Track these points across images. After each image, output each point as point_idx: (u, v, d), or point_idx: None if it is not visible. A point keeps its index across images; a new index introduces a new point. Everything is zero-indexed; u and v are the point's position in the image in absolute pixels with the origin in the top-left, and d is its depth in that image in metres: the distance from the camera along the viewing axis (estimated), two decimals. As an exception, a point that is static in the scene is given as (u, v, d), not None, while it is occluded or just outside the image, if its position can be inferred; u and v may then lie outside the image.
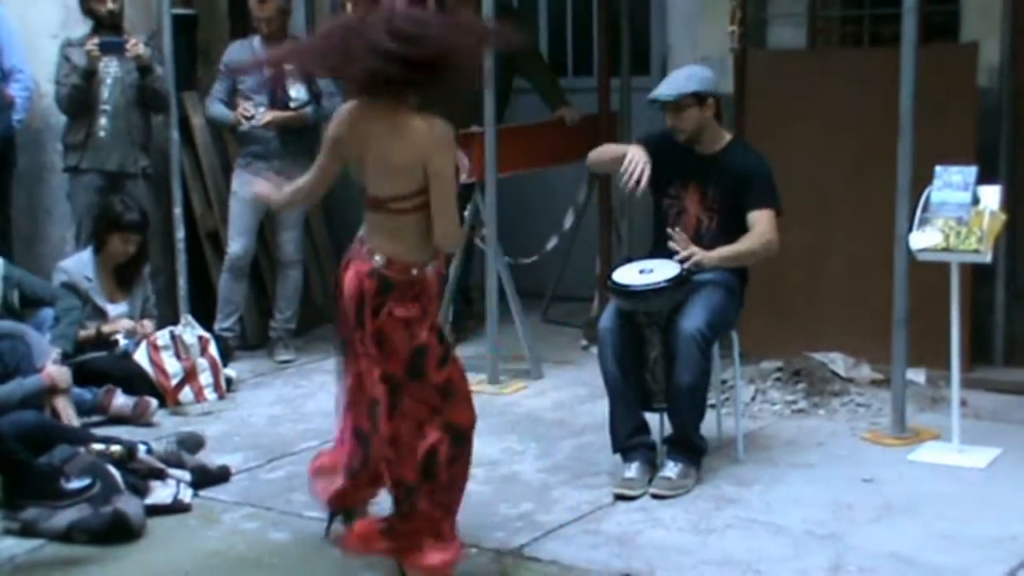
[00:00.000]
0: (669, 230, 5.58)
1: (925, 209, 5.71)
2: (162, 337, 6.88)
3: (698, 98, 5.60)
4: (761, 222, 5.58)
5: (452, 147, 4.42)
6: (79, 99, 7.46)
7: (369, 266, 4.42)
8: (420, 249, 4.45)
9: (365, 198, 4.50)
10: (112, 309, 7.06)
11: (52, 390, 6.08)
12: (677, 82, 5.64)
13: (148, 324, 7.07)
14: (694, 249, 5.49)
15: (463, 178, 4.46)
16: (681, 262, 5.45)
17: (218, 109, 7.72)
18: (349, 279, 4.47)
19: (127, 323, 7.00)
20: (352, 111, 4.52)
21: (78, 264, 7.06)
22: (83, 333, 6.80)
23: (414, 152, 4.33)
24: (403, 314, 4.42)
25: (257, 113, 7.53)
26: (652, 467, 5.48)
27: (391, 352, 4.42)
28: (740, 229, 5.61)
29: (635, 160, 5.59)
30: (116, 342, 6.96)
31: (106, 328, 6.92)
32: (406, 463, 4.46)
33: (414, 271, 4.44)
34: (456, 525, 4.58)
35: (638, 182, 5.56)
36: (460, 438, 4.55)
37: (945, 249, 5.65)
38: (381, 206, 4.44)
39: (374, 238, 4.47)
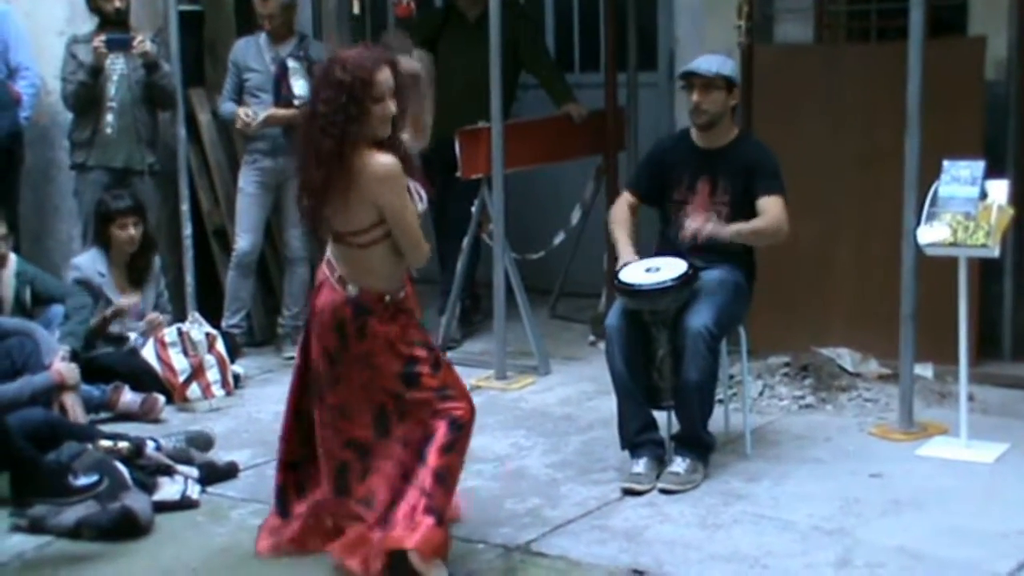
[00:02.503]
0: (682, 221, 5.61)
1: (933, 204, 5.71)
2: (170, 334, 6.89)
3: (728, 84, 5.63)
4: (773, 207, 5.58)
5: (397, 181, 4.45)
6: (85, 96, 7.47)
7: (343, 296, 4.53)
8: (389, 278, 4.56)
9: (328, 228, 4.57)
10: (124, 303, 7.06)
11: (60, 387, 6.10)
12: (713, 62, 5.68)
13: (155, 314, 7.09)
14: (708, 224, 5.50)
15: (421, 207, 4.54)
16: (695, 241, 5.45)
17: (228, 107, 7.73)
18: (323, 304, 4.56)
19: (124, 302, 6.98)
20: None
21: (90, 260, 7.07)
22: (93, 322, 6.83)
23: (361, 191, 4.41)
24: (385, 333, 4.52)
25: (257, 115, 7.54)
26: (660, 463, 5.48)
27: (380, 371, 4.53)
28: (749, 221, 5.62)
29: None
30: (126, 338, 6.98)
31: (109, 312, 6.91)
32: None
33: (387, 298, 4.55)
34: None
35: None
36: (458, 425, 4.57)
37: (953, 244, 5.64)
38: (341, 239, 4.54)
39: (343, 266, 4.56)
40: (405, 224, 4.48)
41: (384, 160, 4.42)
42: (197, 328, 6.99)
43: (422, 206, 4.59)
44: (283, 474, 4.82)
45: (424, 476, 4.51)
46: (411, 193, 4.52)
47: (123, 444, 5.51)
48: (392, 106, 4.46)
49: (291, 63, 7.52)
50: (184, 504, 5.35)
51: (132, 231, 7.03)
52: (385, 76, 4.43)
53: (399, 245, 4.52)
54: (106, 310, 6.93)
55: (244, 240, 7.69)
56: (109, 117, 7.51)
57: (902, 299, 5.86)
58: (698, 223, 5.53)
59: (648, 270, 5.49)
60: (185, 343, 6.87)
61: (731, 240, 5.55)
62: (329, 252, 4.63)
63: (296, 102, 7.49)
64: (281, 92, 7.53)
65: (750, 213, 5.61)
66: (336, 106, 4.36)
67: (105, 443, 5.49)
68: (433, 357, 4.63)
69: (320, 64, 4.57)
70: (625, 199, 5.94)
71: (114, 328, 6.97)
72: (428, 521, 4.45)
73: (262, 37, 7.68)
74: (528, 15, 8.48)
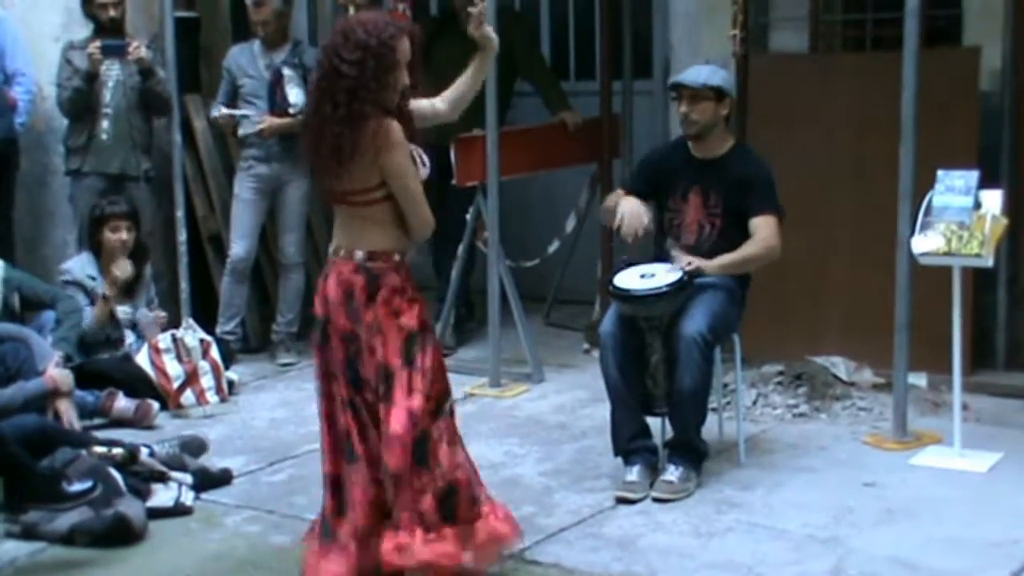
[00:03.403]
0: (670, 250, 5.60)
1: (927, 213, 5.71)
2: (164, 340, 6.88)
3: (717, 94, 5.63)
4: (763, 228, 5.58)
5: (403, 146, 4.43)
6: (81, 102, 7.47)
7: (352, 264, 4.46)
8: (395, 239, 4.49)
9: (330, 193, 4.54)
10: (116, 310, 7.06)
11: (54, 393, 6.09)
12: (701, 73, 5.68)
13: (161, 313, 7.12)
14: (694, 259, 5.50)
15: (424, 172, 4.53)
16: (683, 268, 5.46)
17: (216, 111, 7.73)
18: (332, 285, 4.48)
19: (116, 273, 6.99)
20: None
21: (80, 264, 7.09)
22: (96, 312, 6.83)
23: (370, 153, 4.38)
24: (395, 305, 4.44)
25: (251, 117, 7.56)
26: (653, 471, 5.48)
27: (385, 342, 4.43)
28: (742, 234, 5.61)
29: (626, 216, 5.60)
30: (121, 341, 6.98)
31: (109, 292, 6.92)
32: (392, 451, 4.40)
33: (396, 256, 4.48)
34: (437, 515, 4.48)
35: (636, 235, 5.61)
36: (441, 413, 4.51)
37: (947, 253, 5.65)
38: (342, 200, 4.49)
39: (347, 237, 4.50)
40: (408, 187, 4.44)
41: (393, 124, 4.41)
42: (191, 334, 6.99)
43: (425, 171, 4.57)
44: (332, 496, 4.55)
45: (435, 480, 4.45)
46: (414, 159, 4.50)
47: (117, 450, 5.50)
48: (405, 77, 4.46)
49: (286, 71, 7.52)
50: (178, 510, 5.34)
51: (124, 235, 7.02)
52: (405, 46, 4.44)
53: (402, 209, 4.47)
54: (107, 297, 6.94)
55: (239, 246, 7.69)
56: (104, 123, 7.51)
57: (896, 308, 5.86)
58: (682, 262, 5.52)
59: (643, 276, 5.50)
60: (179, 349, 6.87)
61: (719, 274, 5.55)
62: (332, 245, 4.57)
63: (291, 110, 7.49)
64: (276, 100, 7.53)
65: (742, 225, 5.61)
66: (364, 69, 4.34)
67: (99, 449, 5.48)
68: (431, 338, 4.54)
69: (339, 25, 4.53)
70: (618, 193, 5.91)
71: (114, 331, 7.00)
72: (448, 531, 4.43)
73: (256, 44, 7.68)
74: (524, 22, 8.49)
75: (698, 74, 5.66)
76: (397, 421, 4.40)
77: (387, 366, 4.43)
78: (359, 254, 4.46)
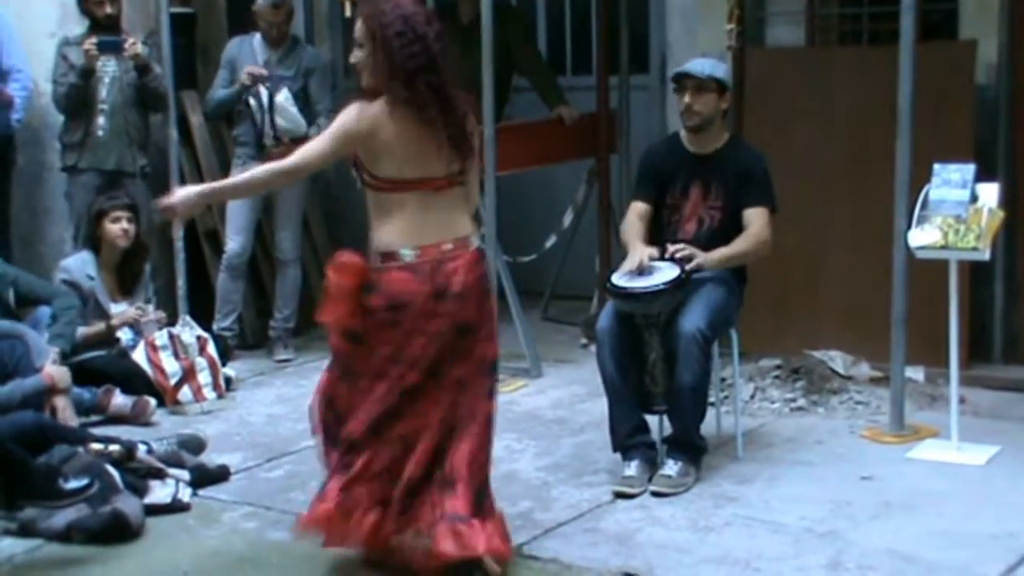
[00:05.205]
0: (668, 246, 5.60)
1: (924, 207, 5.71)
2: (160, 337, 6.87)
3: (720, 87, 5.64)
4: (756, 221, 5.59)
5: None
6: (77, 98, 7.46)
7: (474, 253, 4.53)
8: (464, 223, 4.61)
9: (400, 183, 4.46)
10: (114, 308, 7.04)
11: (51, 390, 6.08)
12: (706, 64, 5.68)
13: (158, 312, 7.09)
14: (694, 252, 5.49)
15: None
16: (682, 262, 5.44)
17: (221, 92, 7.69)
18: (465, 277, 4.47)
19: (132, 312, 6.97)
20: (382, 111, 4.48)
21: (79, 262, 7.06)
22: (91, 330, 6.82)
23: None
24: (485, 283, 4.57)
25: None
26: (652, 465, 5.48)
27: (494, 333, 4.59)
28: (740, 225, 5.62)
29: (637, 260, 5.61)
30: (118, 340, 6.97)
31: (115, 322, 6.92)
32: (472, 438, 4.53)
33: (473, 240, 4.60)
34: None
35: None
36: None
37: (944, 247, 5.65)
38: (447, 183, 4.50)
39: (449, 226, 4.50)
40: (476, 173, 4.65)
41: None
42: (188, 331, 6.99)
43: None
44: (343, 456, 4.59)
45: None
46: None
47: (114, 447, 5.50)
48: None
49: (280, 99, 7.44)
50: (175, 507, 5.34)
51: (125, 224, 7.00)
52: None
53: (469, 192, 4.62)
54: (109, 321, 6.92)
55: (234, 241, 7.68)
56: (100, 119, 7.50)
57: (893, 302, 5.86)
58: (685, 254, 5.51)
59: (641, 273, 5.49)
60: (176, 346, 6.86)
61: (717, 268, 5.54)
62: (425, 234, 4.48)
63: (285, 137, 7.39)
64: (268, 129, 7.49)
65: (740, 216, 5.62)
66: (440, 55, 4.42)
67: (96, 446, 5.47)
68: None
69: (406, 14, 4.44)
70: (635, 210, 5.82)
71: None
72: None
73: (256, 38, 7.66)
74: (520, 17, 8.48)
75: (703, 65, 5.66)
76: (484, 412, 4.55)
77: (492, 360, 4.58)
78: (474, 241, 4.57)
